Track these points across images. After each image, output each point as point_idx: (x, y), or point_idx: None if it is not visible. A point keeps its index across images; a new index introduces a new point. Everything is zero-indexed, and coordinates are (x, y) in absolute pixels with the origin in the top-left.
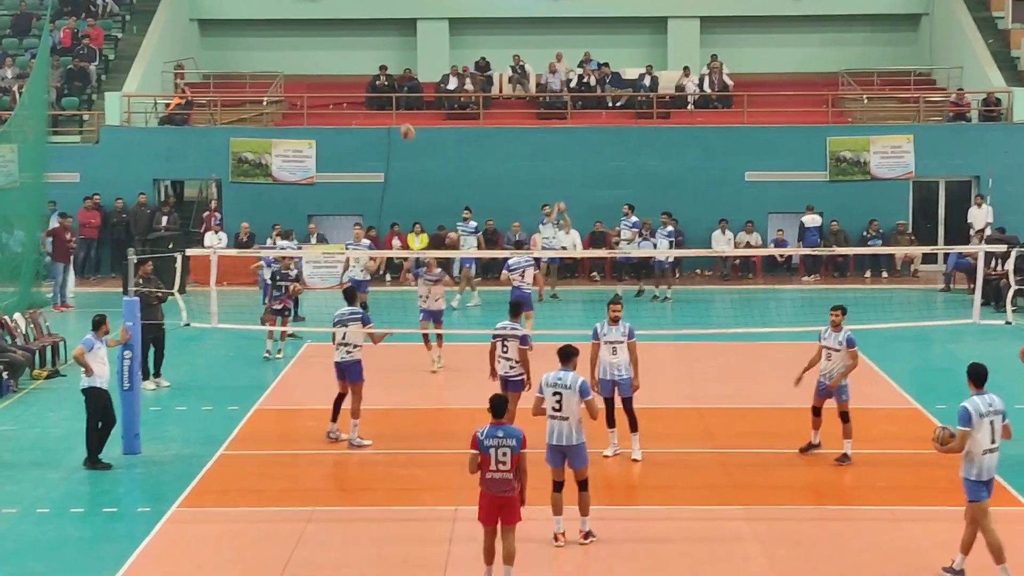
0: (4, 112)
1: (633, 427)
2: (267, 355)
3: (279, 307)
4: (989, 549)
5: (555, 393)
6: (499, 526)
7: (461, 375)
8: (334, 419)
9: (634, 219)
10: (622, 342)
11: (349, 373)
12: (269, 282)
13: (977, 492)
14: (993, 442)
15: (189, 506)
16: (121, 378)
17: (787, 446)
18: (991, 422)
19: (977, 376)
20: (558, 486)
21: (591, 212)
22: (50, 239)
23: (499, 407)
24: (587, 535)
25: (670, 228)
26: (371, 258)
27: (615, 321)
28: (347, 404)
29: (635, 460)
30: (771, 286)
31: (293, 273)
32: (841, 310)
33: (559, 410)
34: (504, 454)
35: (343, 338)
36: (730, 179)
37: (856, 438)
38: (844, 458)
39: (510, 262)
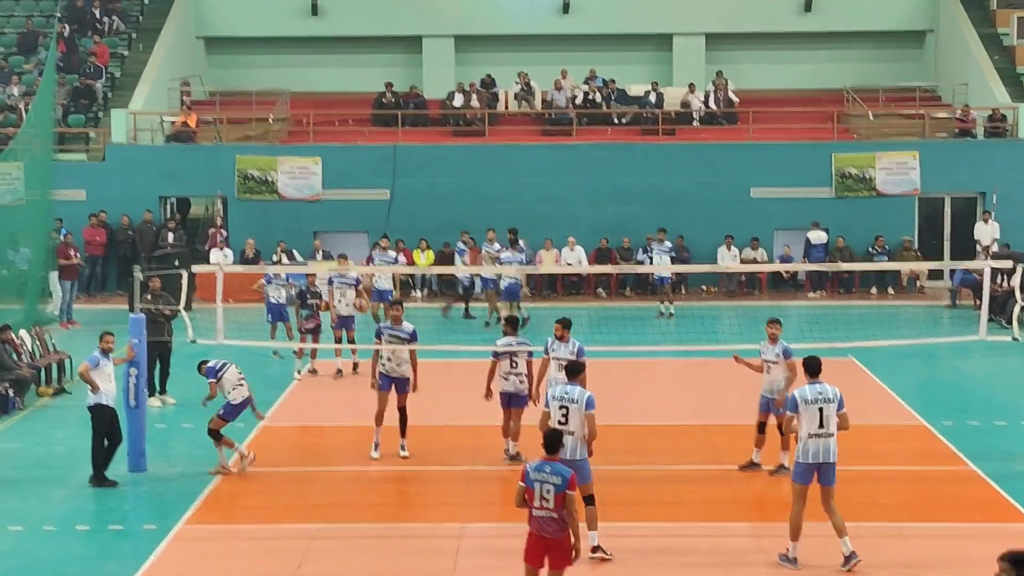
0: (11, 129)
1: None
2: (298, 375)
3: (311, 326)
4: (790, 524)
5: (561, 407)
6: (547, 570)
7: (465, 392)
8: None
9: (520, 245)
10: (571, 360)
11: None
12: (297, 300)
13: (800, 474)
14: (821, 427)
15: (195, 523)
16: (127, 395)
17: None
18: (820, 409)
19: (811, 367)
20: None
21: (597, 229)
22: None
23: (553, 443)
24: (595, 549)
25: (668, 244)
26: (358, 295)
27: (561, 339)
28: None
29: None
30: (777, 302)
31: (320, 290)
32: (777, 323)
33: (565, 424)
34: (548, 491)
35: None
36: (735, 195)
37: (862, 454)
38: (781, 468)
39: (502, 256)
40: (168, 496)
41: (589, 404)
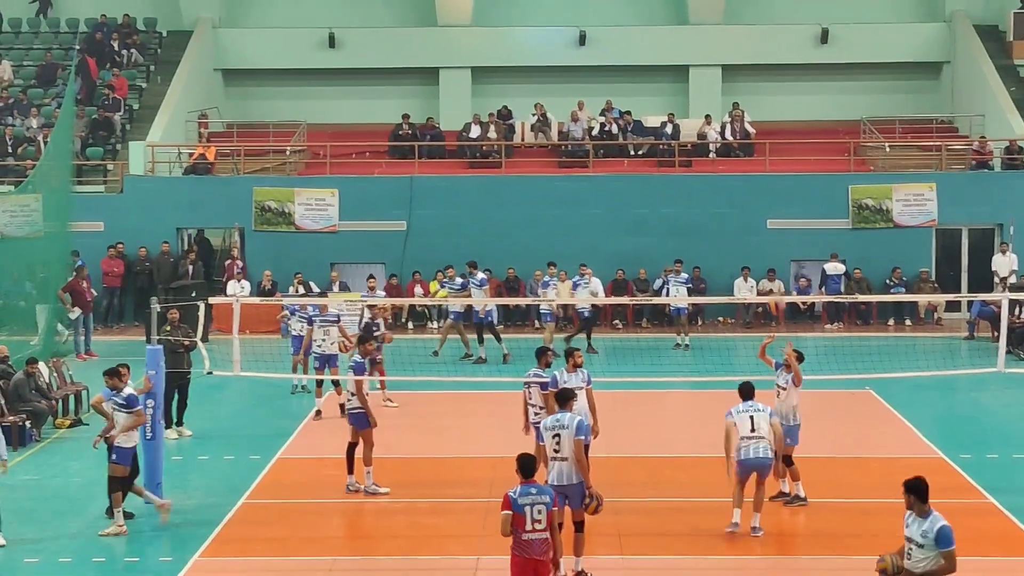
0: (29, 162)
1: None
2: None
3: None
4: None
5: (554, 435)
6: None
7: (481, 423)
8: (349, 471)
9: (463, 280)
10: (581, 388)
11: (352, 420)
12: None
13: (741, 472)
14: (753, 431)
15: (211, 555)
16: (144, 427)
17: (810, 495)
18: (751, 416)
19: (744, 392)
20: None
21: (613, 260)
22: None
23: (528, 466)
24: (579, 574)
25: (684, 275)
26: (344, 336)
27: (575, 368)
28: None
29: None
30: (794, 334)
31: (382, 322)
32: (797, 353)
33: (559, 451)
34: (539, 512)
35: (347, 385)
36: (752, 227)
37: (880, 487)
38: (796, 499)
39: (545, 279)
40: (184, 528)
41: (579, 430)
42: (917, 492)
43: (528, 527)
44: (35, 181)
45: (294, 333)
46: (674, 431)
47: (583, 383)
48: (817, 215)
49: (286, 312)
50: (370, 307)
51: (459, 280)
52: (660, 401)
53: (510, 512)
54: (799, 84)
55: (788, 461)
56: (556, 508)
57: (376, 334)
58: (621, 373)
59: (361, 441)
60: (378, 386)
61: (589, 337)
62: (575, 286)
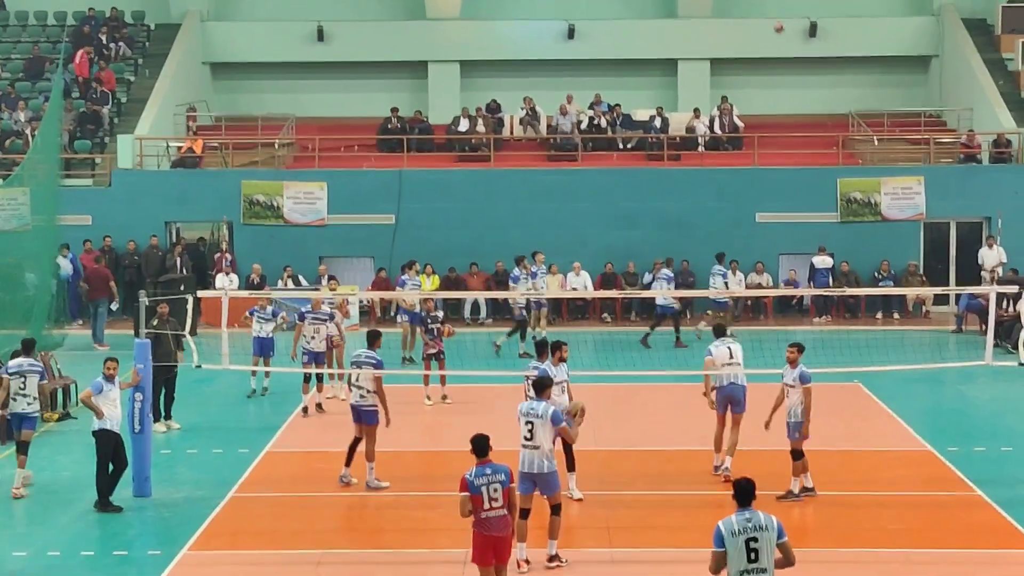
0: (17, 155)
1: (571, 466)
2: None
3: (434, 351)
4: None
5: (527, 422)
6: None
7: (474, 417)
8: (347, 463)
9: (416, 278)
10: (564, 381)
11: (363, 416)
12: (419, 326)
13: (718, 399)
14: (731, 357)
15: (200, 549)
16: (132, 420)
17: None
18: (728, 347)
19: (717, 331)
20: (524, 513)
21: (602, 254)
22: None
23: (482, 446)
24: (552, 558)
25: (722, 269)
26: (338, 332)
27: (560, 361)
28: (362, 447)
29: (578, 500)
30: (782, 327)
31: (441, 315)
32: (797, 347)
33: (530, 439)
34: (496, 490)
35: (356, 380)
36: (741, 220)
37: (868, 480)
38: (789, 494)
39: (534, 271)
40: (173, 522)
41: (556, 419)
42: (737, 493)
43: (486, 506)
44: (23, 174)
45: (254, 334)
46: (663, 424)
47: (566, 377)
48: (805, 208)
49: (247, 313)
50: (424, 301)
51: (416, 279)
52: (649, 394)
53: (468, 494)
54: (788, 78)
55: (798, 455)
56: (514, 485)
57: (431, 327)
58: (610, 367)
59: (365, 436)
60: (439, 381)
61: (677, 329)
62: (652, 281)
